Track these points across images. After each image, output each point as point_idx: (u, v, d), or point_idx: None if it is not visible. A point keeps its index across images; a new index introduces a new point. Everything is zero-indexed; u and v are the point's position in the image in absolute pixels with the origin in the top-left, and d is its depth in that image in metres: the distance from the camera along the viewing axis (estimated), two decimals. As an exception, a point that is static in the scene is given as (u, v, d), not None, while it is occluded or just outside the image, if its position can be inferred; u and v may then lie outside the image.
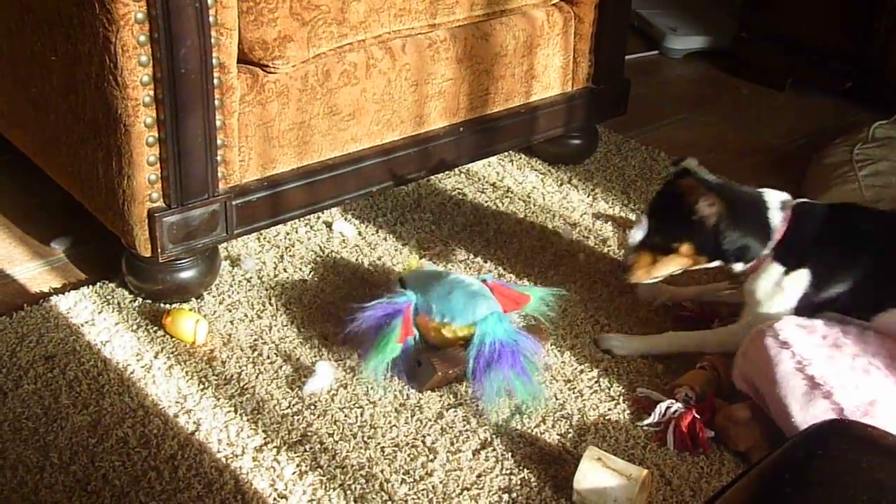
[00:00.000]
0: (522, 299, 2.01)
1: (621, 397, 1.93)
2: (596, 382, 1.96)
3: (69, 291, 2.12)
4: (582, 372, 1.99)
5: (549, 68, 2.52)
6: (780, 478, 0.77)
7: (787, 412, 1.73)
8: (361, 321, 1.91)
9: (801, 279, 1.90)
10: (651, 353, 2.02)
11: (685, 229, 1.93)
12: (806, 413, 1.71)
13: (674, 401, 1.87)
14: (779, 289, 1.92)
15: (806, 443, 0.82)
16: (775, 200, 1.95)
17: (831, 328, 1.82)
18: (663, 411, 1.86)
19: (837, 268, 1.90)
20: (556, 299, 2.05)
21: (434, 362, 1.89)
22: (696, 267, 2.00)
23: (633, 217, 2.52)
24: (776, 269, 1.92)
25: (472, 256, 2.33)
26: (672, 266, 1.98)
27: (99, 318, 2.04)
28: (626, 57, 2.75)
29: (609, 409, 1.90)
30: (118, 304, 2.09)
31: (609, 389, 1.94)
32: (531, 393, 1.86)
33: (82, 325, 2.02)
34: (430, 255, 2.31)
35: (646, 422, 1.86)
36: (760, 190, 1.98)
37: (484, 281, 1.99)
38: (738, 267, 1.96)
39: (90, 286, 2.13)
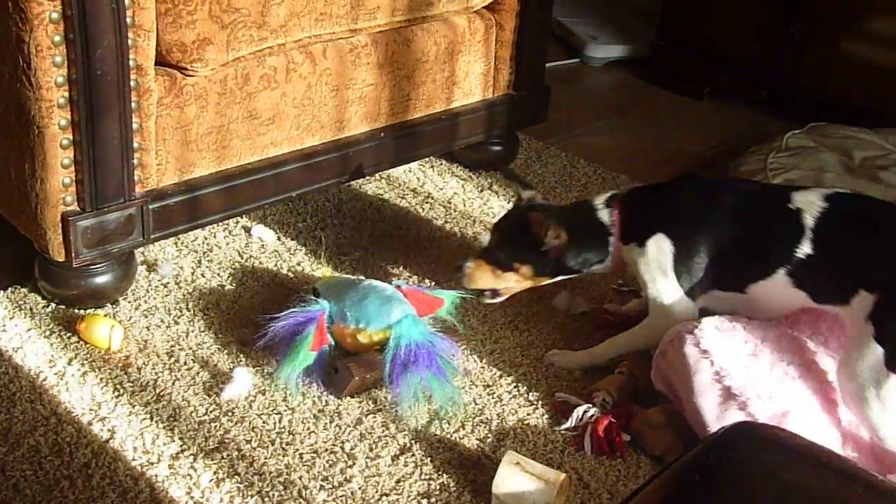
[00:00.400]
0: (436, 303, 2.03)
1: (540, 402, 1.94)
2: (515, 387, 1.97)
3: (-21, 296, 2.07)
4: (501, 377, 2.00)
5: (471, 75, 2.53)
6: (691, 479, 0.79)
7: (702, 420, 1.76)
8: (275, 331, 1.91)
9: (659, 243, 1.94)
10: (595, 363, 2.04)
11: (528, 255, 2.01)
12: (721, 422, 1.73)
13: (591, 405, 1.89)
14: (646, 261, 1.95)
15: (716, 445, 0.84)
16: (600, 200, 2.03)
17: (752, 332, 1.85)
18: (581, 416, 1.88)
19: (686, 225, 1.94)
20: (468, 301, 2.09)
21: (351, 367, 1.89)
22: (537, 285, 2.08)
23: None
24: (632, 249, 1.97)
25: (391, 262, 2.33)
26: (509, 283, 2.06)
27: (10, 324, 2.00)
28: (547, 65, 2.78)
29: (528, 414, 1.91)
30: (31, 309, 2.05)
31: (528, 394, 1.96)
32: (448, 394, 1.87)
33: (-7, 331, 1.98)
34: (350, 261, 2.30)
35: (563, 426, 1.88)
36: (588, 199, 2.07)
37: (398, 287, 2.01)
38: (599, 269, 2.04)
39: (1, 291, 2.09)
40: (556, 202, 2.38)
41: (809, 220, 1.84)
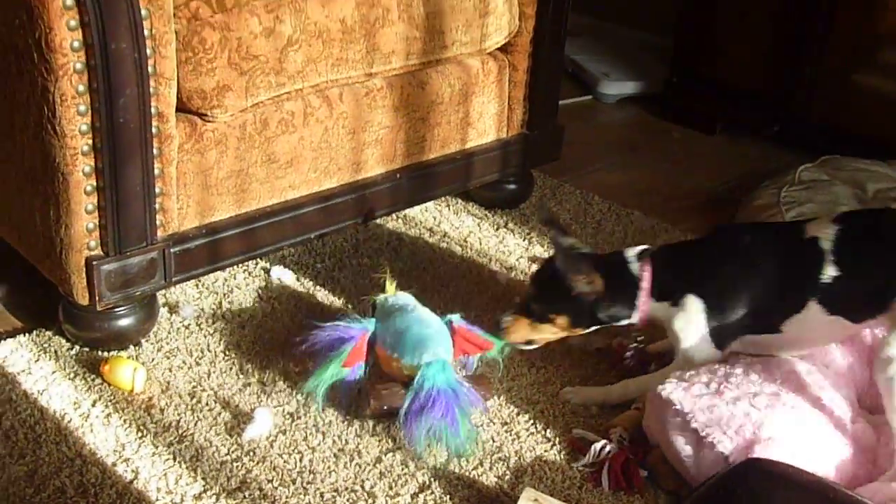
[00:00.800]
0: (486, 345, 2.05)
1: (557, 439, 1.96)
2: (532, 424, 1.99)
3: (5, 340, 2.11)
4: (518, 414, 2.02)
5: (485, 115, 2.57)
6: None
7: (684, 467, 1.81)
8: (314, 341, 1.95)
9: (691, 304, 1.96)
10: (608, 402, 2.05)
11: (563, 304, 2.02)
12: (700, 466, 1.78)
13: (608, 441, 1.91)
14: (679, 321, 1.97)
15: (726, 480, 0.86)
16: (632, 254, 2.03)
17: (714, 373, 1.89)
18: (598, 452, 1.89)
19: (717, 281, 1.97)
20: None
21: (371, 393, 1.93)
22: (573, 335, 2.09)
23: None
24: (663, 307, 2.00)
25: (379, 292, 2.34)
26: (547, 334, 2.07)
27: (35, 367, 2.04)
28: (561, 102, 2.81)
29: (545, 451, 1.93)
30: (55, 352, 2.08)
31: (545, 431, 1.98)
32: (457, 445, 1.87)
33: (18, 374, 2.01)
34: (368, 301, 2.32)
35: (581, 462, 1.89)
36: (621, 250, 2.07)
37: (451, 322, 2.02)
38: (624, 322, 2.05)
39: (26, 334, 2.12)
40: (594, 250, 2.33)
41: (827, 244, 1.88)
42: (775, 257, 1.95)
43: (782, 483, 0.86)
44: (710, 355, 1.97)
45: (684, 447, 1.79)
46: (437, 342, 1.97)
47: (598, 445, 1.90)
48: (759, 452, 1.71)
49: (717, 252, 2.02)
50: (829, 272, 1.87)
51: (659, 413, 1.85)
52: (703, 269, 2.00)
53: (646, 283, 2.00)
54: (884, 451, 1.82)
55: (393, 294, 2.12)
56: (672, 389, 1.85)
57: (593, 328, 2.08)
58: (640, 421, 1.95)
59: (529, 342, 2.09)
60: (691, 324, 1.96)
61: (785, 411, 1.81)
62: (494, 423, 1.99)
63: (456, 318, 2.04)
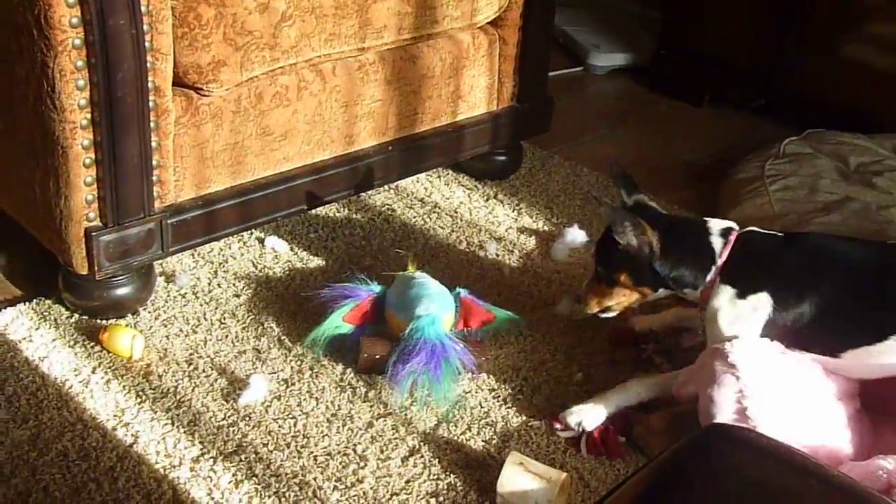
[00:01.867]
0: (487, 317, 2.13)
1: (543, 405, 2.02)
2: (519, 391, 2.06)
3: (6, 308, 2.16)
4: (506, 381, 2.08)
5: (475, 88, 2.62)
6: (664, 477, 0.87)
7: None
8: (322, 297, 2.09)
9: (760, 302, 1.87)
10: (620, 406, 1.97)
11: (620, 260, 1.98)
12: None
13: None
14: (735, 313, 1.88)
15: (691, 445, 0.92)
16: (716, 227, 1.95)
17: (786, 359, 1.83)
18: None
19: (799, 292, 1.86)
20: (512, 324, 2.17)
21: (364, 344, 2.03)
22: (648, 298, 2.04)
23: (555, 231, 2.62)
24: (727, 291, 1.90)
25: (401, 271, 2.40)
26: (619, 297, 2.04)
27: (36, 335, 2.09)
28: (551, 73, 2.86)
29: (531, 417, 1.99)
30: (55, 320, 2.14)
31: (532, 398, 2.04)
32: (437, 394, 1.96)
33: (20, 342, 2.07)
34: (360, 270, 2.38)
35: (563, 434, 1.95)
36: (704, 218, 2.01)
37: (458, 294, 2.12)
38: (690, 293, 1.97)
39: (27, 303, 2.17)
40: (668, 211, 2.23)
41: None
42: (866, 282, 1.85)
43: (745, 448, 0.92)
44: None
45: (724, 417, 1.75)
46: (431, 300, 2.06)
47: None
48: None
49: (805, 259, 1.91)
50: None
51: (717, 372, 1.78)
52: (788, 272, 1.89)
53: (722, 261, 1.91)
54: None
55: (413, 272, 2.21)
56: (742, 358, 1.77)
57: (661, 291, 2.02)
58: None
59: (607, 309, 2.07)
60: (749, 321, 1.86)
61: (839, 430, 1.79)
62: (482, 390, 2.05)
63: (464, 291, 2.14)
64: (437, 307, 2.05)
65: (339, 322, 2.06)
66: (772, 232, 1.98)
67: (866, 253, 1.93)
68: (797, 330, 1.85)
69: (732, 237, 1.93)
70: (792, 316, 1.85)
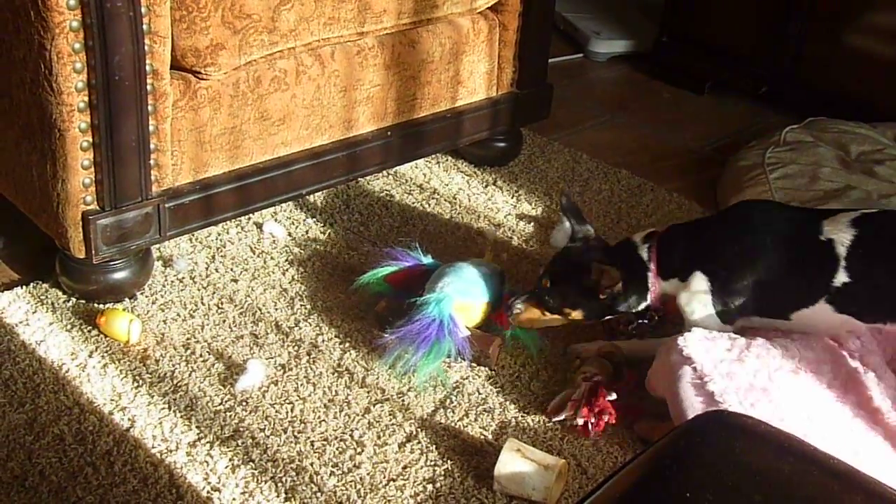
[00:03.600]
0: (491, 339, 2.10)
1: (540, 392, 2.02)
2: (516, 378, 2.05)
3: (3, 292, 2.15)
4: (503, 368, 2.08)
5: (475, 74, 2.61)
6: (662, 463, 0.87)
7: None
8: (373, 257, 2.28)
9: (698, 282, 1.97)
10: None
11: (581, 300, 2.04)
12: None
13: (579, 389, 1.96)
14: (688, 295, 1.98)
15: (688, 431, 0.92)
16: (638, 239, 2.06)
17: (736, 340, 1.88)
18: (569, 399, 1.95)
19: (728, 265, 1.96)
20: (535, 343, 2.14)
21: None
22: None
23: (554, 218, 2.62)
24: (672, 283, 2.01)
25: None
26: (556, 323, 2.09)
27: (33, 318, 2.09)
28: (551, 60, 2.85)
29: (528, 403, 1.99)
30: (52, 304, 2.13)
31: (529, 384, 2.04)
32: (417, 369, 1.99)
33: (17, 325, 2.06)
34: (358, 255, 2.38)
35: (559, 417, 1.95)
36: (629, 237, 2.09)
37: (505, 291, 2.16)
38: (641, 307, 2.07)
39: (24, 287, 2.17)
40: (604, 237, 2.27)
41: (842, 250, 1.87)
42: (791, 249, 1.94)
43: (742, 434, 0.92)
44: (717, 328, 1.95)
45: (694, 406, 1.79)
46: (451, 282, 2.09)
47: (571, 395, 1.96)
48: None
49: (726, 231, 2.02)
50: (841, 278, 1.87)
51: (674, 368, 1.84)
52: (711, 247, 2.00)
53: (653, 265, 2.01)
54: None
55: (482, 260, 2.25)
56: (693, 348, 1.84)
57: (606, 318, 2.11)
58: (610, 370, 2.01)
59: (533, 325, 2.12)
60: (698, 300, 1.97)
61: (804, 393, 1.81)
62: (479, 377, 2.05)
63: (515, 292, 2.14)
64: (454, 289, 2.08)
65: (381, 280, 2.16)
66: (696, 218, 2.15)
67: (789, 216, 2.02)
68: (745, 298, 1.95)
69: (653, 240, 2.04)
70: (729, 286, 1.95)
